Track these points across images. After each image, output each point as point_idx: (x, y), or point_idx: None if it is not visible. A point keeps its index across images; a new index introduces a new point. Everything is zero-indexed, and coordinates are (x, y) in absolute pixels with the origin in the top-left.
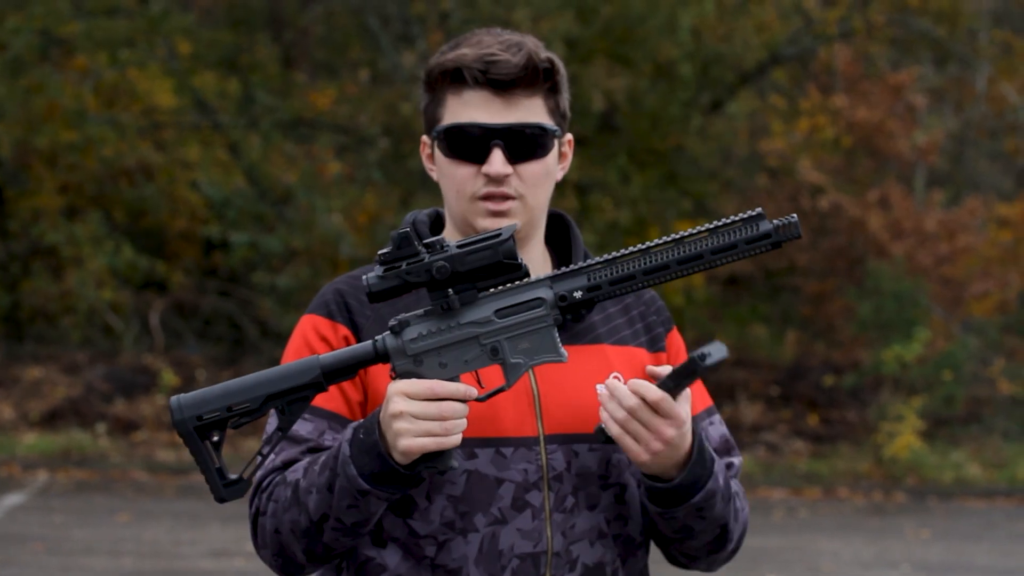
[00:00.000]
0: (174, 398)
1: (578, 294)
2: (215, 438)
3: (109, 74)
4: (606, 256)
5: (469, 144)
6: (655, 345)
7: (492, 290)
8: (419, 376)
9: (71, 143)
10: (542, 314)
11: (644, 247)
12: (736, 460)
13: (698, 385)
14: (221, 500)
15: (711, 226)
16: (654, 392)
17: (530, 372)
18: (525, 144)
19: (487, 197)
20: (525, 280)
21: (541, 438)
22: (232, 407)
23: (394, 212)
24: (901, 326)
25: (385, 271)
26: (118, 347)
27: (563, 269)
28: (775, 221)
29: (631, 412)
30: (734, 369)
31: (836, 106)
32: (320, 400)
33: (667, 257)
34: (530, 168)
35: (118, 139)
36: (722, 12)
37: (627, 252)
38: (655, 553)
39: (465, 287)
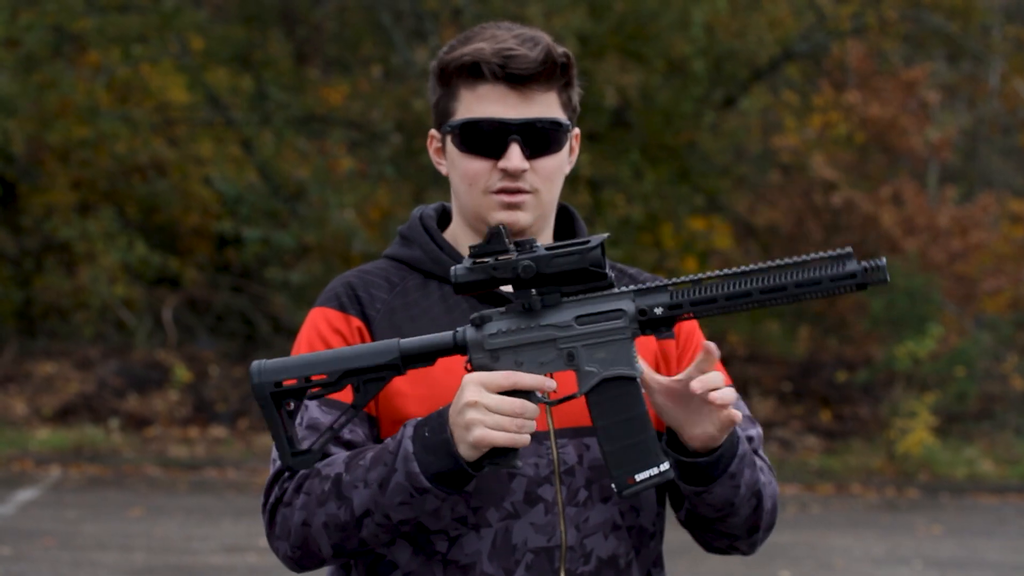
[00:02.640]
0: (255, 363)
1: (659, 310)
2: (290, 407)
3: (122, 70)
4: (692, 276)
5: (485, 139)
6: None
7: (575, 296)
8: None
9: (84, 139)
10: (621, 326)
11: (731, 272)
12: (755, 432)
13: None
14: (289, 468)
15: (799, 259)
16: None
17: None
18: (542, 139)
19: (502, 191)
20: (609, 290)
21: (551, 432)
22: (310, 378)
23: (406, 208)
24: (914, 322)
25: (474, 263)
26: (131, 343)
27: (648, 284)
28: (863, 263)
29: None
30: (746, 365)
31: (849, 102)
32: (337, 392)
33: (751, 284)
34: (545, 163)
35: (131, 135)
36: (735, 8)
37: (713, 275)
38: (668, 544)
39: (549, 289)
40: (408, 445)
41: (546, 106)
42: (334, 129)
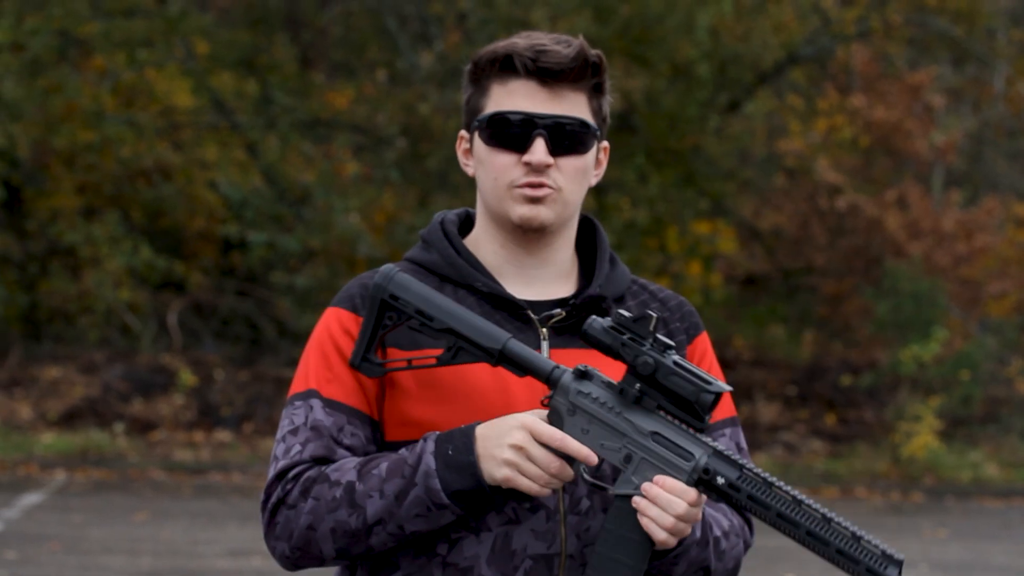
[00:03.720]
0: (390, 266)
1: (720, 480)
2: (391, 320)
3: (127, 74)
4: (767, 476)
5: (511, 132)
6: None
7: (668, 415)
8: (561, 422)
9: (89, 143)
10: (683, 467)
11: (801, 498)
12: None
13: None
14: (352, 364)
15: (860, 533)
16: (692, 493)
17: None
18: (567, 137)
19: (526, 185)
20: (696, 432)
21: None
22: (420, 311)
23: (411, 212)
24: (919, 326)
25: (611, 327)
26: (136, 347)
27: (729, 453)
28: None
29: (680, 518)
30: (752, 369)
31: (854, 106)
32: (340, 394)
33: (804, 520)
34: (570, 162)
35: (136, 139)
36: (740, 12)
37: (785, 488)
38: None
39: (652, 394)
40: (430, 461)
41: (575, 106)
42: (339, 133)
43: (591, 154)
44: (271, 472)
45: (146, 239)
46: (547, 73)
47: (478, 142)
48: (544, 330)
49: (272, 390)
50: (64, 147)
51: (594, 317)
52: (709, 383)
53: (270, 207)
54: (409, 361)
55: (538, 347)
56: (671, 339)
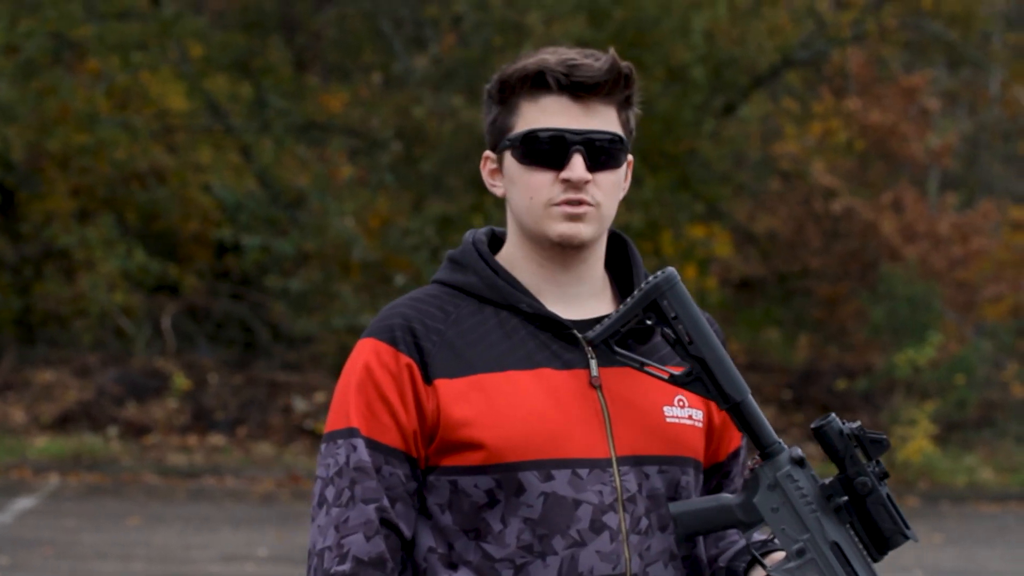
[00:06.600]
0: (675, 272)
1: None
2: (647, 321)
3: (121, 77)
4: None
5: (548, 149)
6: None
7: (855, 536)
8: (755, 491)
9: (83, 146)
10: None
11: None
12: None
13: None
14: (591, 340)
15: None
16: None
17: (600, 393)
18: (603, 152)
19: (565, 202)
20: (871, 560)
21: (613, 460)
22: (684, 329)
23: (406, 216)
24: (914, 330)
25: (846, 434)
26: (130, 350)
27: None
28: None
29: None
30: (747, 373)
31: (849, 109)
32: (378, 433)
33: None
34: (607, 177)
35: (130, 142)
36: (735, 15)
37: None
38: None
39: (851, 511)
40: None
41: (607, 120)
42: (334, 136)
43: (623, 168)
44: (320, 561)
45: (140, 242)
46: (580, 87)
47: (510, 161)
48: (590, 349)
49: (266, 394)
50: (58, 150)
51: (834, 416)
52: (908, 528)
53: (264, 210)
54: (642, 364)
55: (586, 366)
56: None
